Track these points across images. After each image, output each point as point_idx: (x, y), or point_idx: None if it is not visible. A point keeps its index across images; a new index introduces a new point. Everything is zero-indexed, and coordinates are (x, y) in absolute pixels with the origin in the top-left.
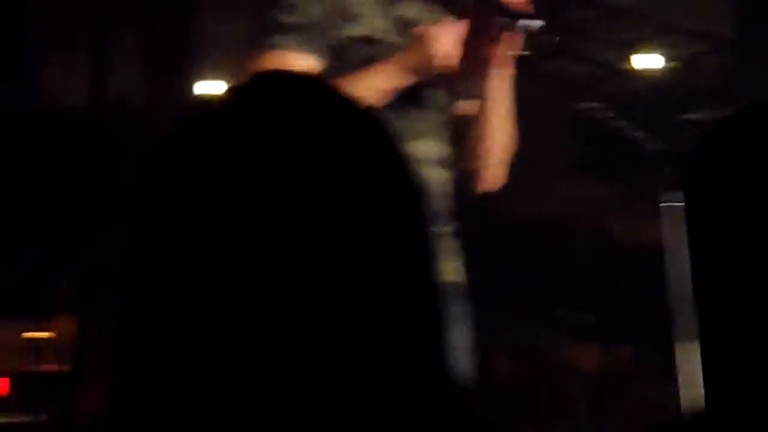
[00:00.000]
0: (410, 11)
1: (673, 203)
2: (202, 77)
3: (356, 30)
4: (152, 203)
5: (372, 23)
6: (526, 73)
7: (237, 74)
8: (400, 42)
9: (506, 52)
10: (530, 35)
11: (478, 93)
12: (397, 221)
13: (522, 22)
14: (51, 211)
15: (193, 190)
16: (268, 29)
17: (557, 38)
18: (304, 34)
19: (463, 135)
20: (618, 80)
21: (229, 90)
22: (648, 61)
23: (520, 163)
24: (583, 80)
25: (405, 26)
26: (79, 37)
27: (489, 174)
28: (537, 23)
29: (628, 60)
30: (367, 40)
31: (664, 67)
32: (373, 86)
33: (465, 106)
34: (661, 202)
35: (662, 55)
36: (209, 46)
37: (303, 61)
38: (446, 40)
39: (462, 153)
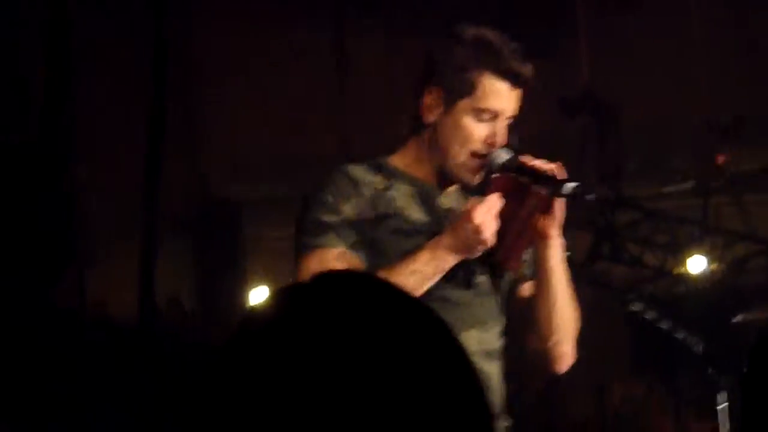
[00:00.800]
0: (447, 202)
1: (724, 404)
2: (252, 282)
3: (394, 223)
4: (215, 414)
5: (410, 217)
6: (574, 278)
7: (285, 278)
8: (439, 233)
9: (550, 220)
10: (568, 197)
11: (529, 268)
12: (461, 418)
13: (559, 187)
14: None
15: (259, 398)
16: (307, 229)
17: (594, 196)
18: (345, 231)
19: (527, 318)
20: (665, 282)
21: (284, 293)
22: (694, 262)
23: (573, 365)
24: (631, 283)
25: (443, 218)
26: (126, 241)
27: (563, 351)
28: (570, 185)
29: (675, 262)
30: (405, 233)
31: (710, 269)
32: (418, 272)
33: (524, 290)
34: (714, 404)
35: (708, 256)
36: (258, 251)
37: (347, 258)
38: (484, 213)
39: (530, 336)
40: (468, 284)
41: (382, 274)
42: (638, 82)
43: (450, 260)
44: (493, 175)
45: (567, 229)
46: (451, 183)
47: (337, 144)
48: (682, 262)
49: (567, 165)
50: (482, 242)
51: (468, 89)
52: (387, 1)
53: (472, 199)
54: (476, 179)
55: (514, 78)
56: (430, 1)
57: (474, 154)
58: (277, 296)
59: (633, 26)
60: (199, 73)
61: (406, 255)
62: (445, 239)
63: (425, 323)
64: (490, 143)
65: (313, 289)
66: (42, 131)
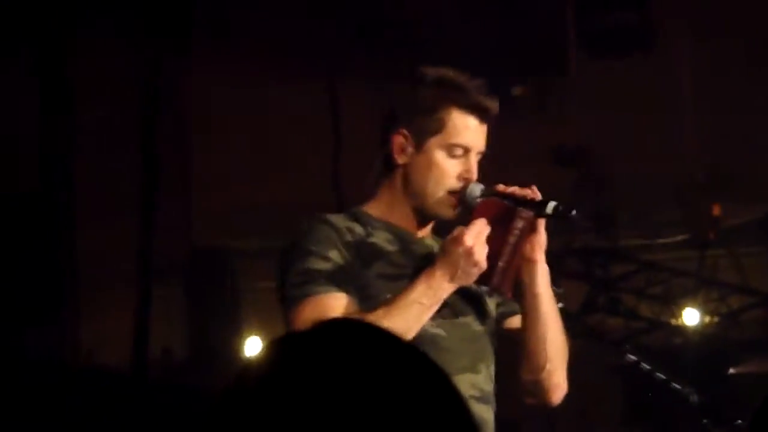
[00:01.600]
0: (424, 247)
1: None
2: (246, 332)
3: (379, 268)
4: None
5: (394, 261)
6: (569, 329)
7: (279, 328)
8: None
9: (536, 244)
10: (552, 217)
11: (513, 304)
12: None
13: (542, 208)
14: None
15: None
16: (296, 279)
17: (576, 213)
18: (336, 276)
19: (518, 350)
20: (660, 334)
21: (281, 343)
22: (688, 315)
23: (567, 415)
24: (626, 334)
25: (425, 261)
26: (119, 291)
27: (556, 381)
28: (552, 204)
29: (670, 313)
30: (391, 278)
31: (704, 321)
32: (416, 303)
33: (512, 323)
34: None
35: (702, 309)
36: (251, 301)
37: (340, 302)
38: (474, 236)
39: (522, 368)
40: (456, 317)
41: (382, 308)
42: (631, 134)
43: (446, 288)
44: (478, 200)
45: (562, 280)
46: (429, 221)
47: (330, 195)
48: (677, 314)
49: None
50: (475, 265)
51: (437, 126)
52: (379, 54)
53: (459, 227)
54: (454, 214)
55: (481, 112)
56: (422, 54)
57: (450, 191)
58: (273, 347)
59: (624, 78)
60: (193, 124)
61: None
62: (439, 268)
63: (422, 371)
64: (465, 179)
65: (310, 339)
66: (39, 182)
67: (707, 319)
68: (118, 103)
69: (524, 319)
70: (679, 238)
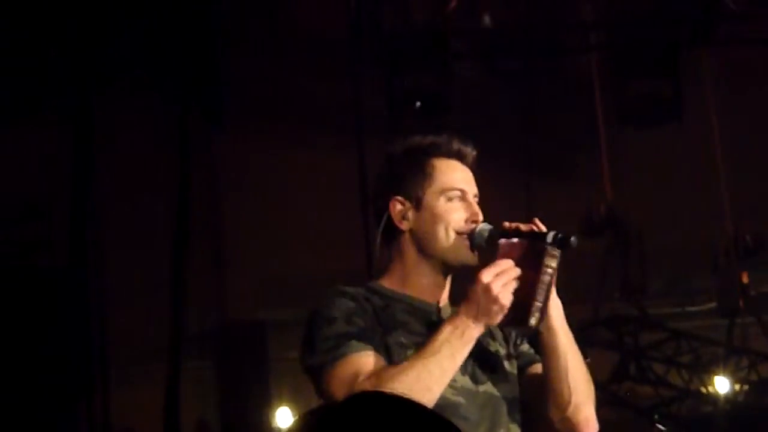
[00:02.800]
0: (446, 314)
1: None
2: (277, 403)
3: (399, 337)
4: None
5: (413, 330)
6: (596, 397)
7: (309, 399)
8: None
9: (546, 276)
10: (555, 246)
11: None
12: None
13: (543, 239)
14: None
15: None
16: (325, 344)
17: (573, 239)
18: (365, 336)
19: (543, 392)
20: (690, 402)
21: (315, 414)
22: (719, 383)
23: None
24: (655, 402)
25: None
26: (150, 365)
27: (585, 415)
28: (550, 235)
29: (700, 381)
30: (410, 346)
31: (735, 389)
32: (447, 343)
33: (534, 369)
34: None
35: (732, 377)
36: (282, 372)
37: (371, 360)
38: (492, 274)
39: (549, 408)
40: (475, 385)
41: (414, 357)
42: (661, 202)
43: (472, 327)
44: (501, 241)
45: (591, 349)
46: (445, 282)
47: (361, 264)
48: (707, 382)
49: (590, 284)
50: (495, 302)
51: (427, 179)
52: (406, 121)
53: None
54: (474, 258)
55: (460, 157)
56: (446, 124)
57: (459, 233)
58: (306, 419)
59: (654, 146)
60: (225, 196)
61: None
62: (462, 308)
63: None
64: (472, 221)
65: (342, 411)
66: (69, 254)
67: (737, 387)
68: (148, 176)
69: (543, 356)
70: (709, 306)
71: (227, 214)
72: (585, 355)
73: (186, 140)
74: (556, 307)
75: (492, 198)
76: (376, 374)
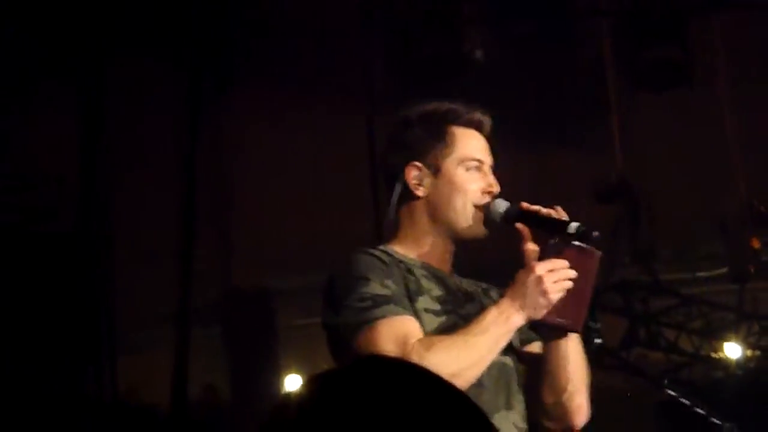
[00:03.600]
0: (463, 283)
1: None
2: (286, 370)
3: (424, 302)
4: None
5: (435, 295)
6: (606, 362)
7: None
8: (461, 311)
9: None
10: (575, 238)
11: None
12: None
13: (563, 228)
14: None
15: None
16: (360, 305)
17: (596, 234)
18: (400, 302)
19: (539, 373)
20: (700, 368)
21: (322, 378)
22: (729, 348)
23: None
24: (665, 368)
25: (460, 298)
26: (159, 330)
27: (578, 402)
28: (575, 225)
29: (711, 347)
30: (435, 313)
31: (746, 354)
32: (489, 331)
33: (531, 348)
34: None
35: (743, 342)
36: (291, 339)
37: (411, 323)
38: (546, 267)
39: (544, 391)
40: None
41: (460, 334)
42: (671, 168)
43: (516, 316)
44: (551, 242)
45: (601, 315)
46: (453, 251)
47: (369, 231)
48: (718, 348)
49: (600, 250)
50: (544, 294)
51: (448, 146)
52: (416, 92)
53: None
54: (485, 231)
55: (477, 125)
56: (459, 90)
57: (476, 207)
58: (313, 382)
59: (666, 113)
60: (231, 162)
61: (434, 331)
62: (509, 295)
63: (462, 412)
64: (487, 192)
65: (350, 375)
66: (77, 221)
67: (748, 352)
68: (157, 143)
69: (545, 342)
70: (719, 271)
71: (234, 183)
72: (595, 321)
73: (196, 109)
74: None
75: (503, 166)
76: (429, 341)
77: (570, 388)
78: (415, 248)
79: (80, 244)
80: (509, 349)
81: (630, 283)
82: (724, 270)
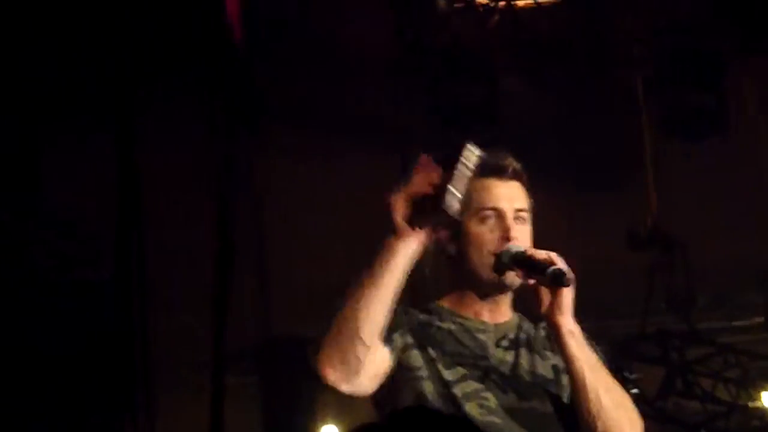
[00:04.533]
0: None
1: None
2: (321, 420)
3: (437, 353)
4: None
5: (455, 345)
6: (642, 412)
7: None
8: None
9: (556, 307)
10: (550, 281)
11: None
12: None
13: (543, 271)
14: None
15: None
16: None
17: (567, 280)
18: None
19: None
20: (737, 417)
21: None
22: (766, 398)
23: None
24: (702, 418)
25: (483, 350)
26: (195, 380)
27: None
28: (549, 270)
29: (748, 396)
30: (447, 363)
31: None
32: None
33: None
34: None
35: None
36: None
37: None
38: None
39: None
40: (519, 401)
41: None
42: (707, 216)
43: (386, 244)
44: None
45: (637, 365)
46: (491, 298)
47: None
48: (755, 397)
49: (636, 298)
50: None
51: (465, 201)
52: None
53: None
54: (499, 278)
55: (499, 171)
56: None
57: (494, 255)
58: None
59: (700, 159)
60: (268, 207)
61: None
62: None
63: None
64: (503, 238)
65: (389, 429)
66: (114, 268)
67: None
68: (192, 189)
69: (571, 389)
70: (757, 320)
71: (271, 228)
72: (630, 371)
73: (229, 152)
74: (568, 336)
75: (537, 212)
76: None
77: (600, 427)
78: (457, 303)
79: (117, 292)
80: (536, 393)
81: (666, 332)
82: (761, 319)
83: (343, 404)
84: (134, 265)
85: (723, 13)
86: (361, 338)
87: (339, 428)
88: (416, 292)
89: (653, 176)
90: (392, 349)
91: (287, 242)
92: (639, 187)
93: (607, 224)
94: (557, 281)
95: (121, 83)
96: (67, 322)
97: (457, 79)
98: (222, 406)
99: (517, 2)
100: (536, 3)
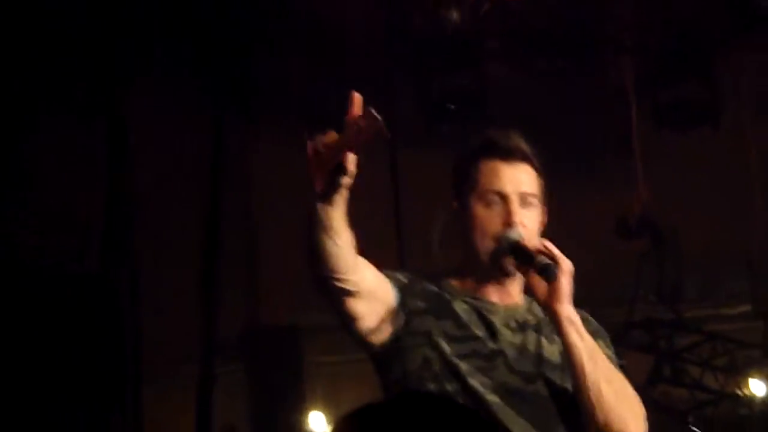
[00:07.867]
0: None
1: None
2: (309, 407)
3: (447, 327)
4: None
5: (463, 323)
6: None
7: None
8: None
9: (552, 292)
10: (539, 272)
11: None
12: None
13: (531, 260)
14: None
15: None
16: None
17: (553, 274)
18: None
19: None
20: (725, 405)
21: (360, 415)
22: (754, 385)
23: None
24: (690, 405)
25: (495, 331)
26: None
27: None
28: (541, 260)
29: (736, 384)
30: (455, 338)
31: None
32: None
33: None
34: None
35: (767, 379)
36: (314, 376)
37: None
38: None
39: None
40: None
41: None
42: (696, 204)
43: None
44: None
45: (626, 352)
46: (494, 281)
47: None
48: (743, 385)
49: (625, 286)
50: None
51: (472, 183)
52: (441, 126)
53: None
54: (504, 264)
55: (506, 153)
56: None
57: (495, 240)
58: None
59: (689, 148)
60: (257, 199)
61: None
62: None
63: None
64: (506, 223)
65: (388, 412)
66: (102, 261)
67: None
68: (181, 180)
69: (571, 375)
70: (744, 308)
71: (259, 218)
72: (620, 358)
73: (219, 142)
74: (566, 322)
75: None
76: None
77: (600, 418)
78: (465, 280)
79: (105, 284)
80: (541, 376)
81: (654, 321)
82: (748, 307)
83: (331, 392)
84: (123, 258)
85: (713, 3)
86: (331, 237)
87: (326, 415)
88: (426, 266)
89: (642, 165)
90: (396, 291)
91: (275, 233)
92: (628, 176)
93: (596, 214)
94: (543, 274)
95: (112, 76)
96: (56, 315)
97: (447, 67)
98: (210, 395)
99: None
100: None
